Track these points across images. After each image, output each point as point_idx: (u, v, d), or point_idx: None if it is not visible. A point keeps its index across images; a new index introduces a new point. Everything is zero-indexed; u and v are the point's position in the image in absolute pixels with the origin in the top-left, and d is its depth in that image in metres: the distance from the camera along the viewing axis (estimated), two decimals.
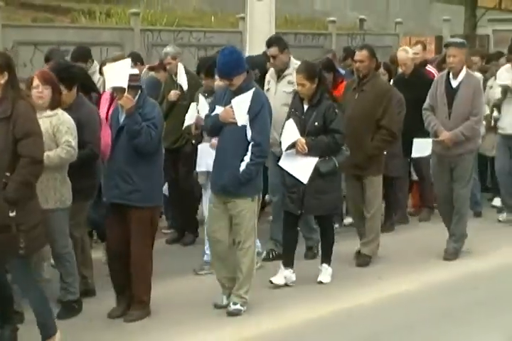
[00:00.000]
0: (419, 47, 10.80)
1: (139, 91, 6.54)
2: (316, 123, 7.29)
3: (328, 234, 7.67)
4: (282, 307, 6.94)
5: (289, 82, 8.12)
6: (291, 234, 7.57)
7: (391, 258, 8.34)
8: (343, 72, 10.06)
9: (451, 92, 8.27)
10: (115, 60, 7.62)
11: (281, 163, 7.41)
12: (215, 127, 6.77)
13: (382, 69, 9.45)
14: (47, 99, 6.36)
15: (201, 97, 7.79)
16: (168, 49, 9.14)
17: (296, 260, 7.61)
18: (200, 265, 7.79)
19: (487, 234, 9.33)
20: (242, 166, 6.54)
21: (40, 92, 6.34)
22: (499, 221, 9.96)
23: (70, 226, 6.65)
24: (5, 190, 5.38)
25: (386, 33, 19.36)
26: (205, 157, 7.50)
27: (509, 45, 10.27)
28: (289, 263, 7.50)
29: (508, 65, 9.97)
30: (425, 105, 8.51)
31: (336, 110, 7.35)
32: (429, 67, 10.62)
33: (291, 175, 7.34)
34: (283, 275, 7.47)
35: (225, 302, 6.82)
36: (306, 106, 7.39)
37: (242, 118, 6.57)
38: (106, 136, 6.72)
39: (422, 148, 8.87)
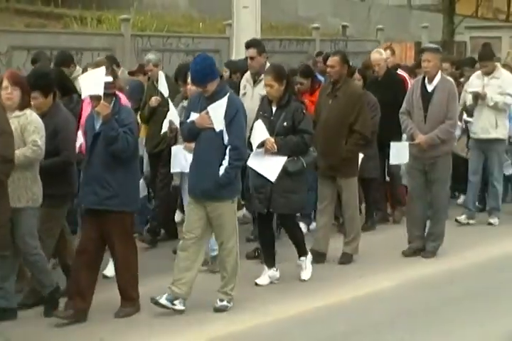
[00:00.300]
0: (388, 52, 10.82)
1: (114, 99, 6.52)
2: (285, 124, 7.26)
3: (294, 233, 7.58)
4: (267, 303, 6.96)
5: None
6: (267, 235, 7.54)
7: (372, 256, 8.37)
8: (321, 78, 10.03)
9: (426, 96, 8.31)
10: (97, 65, 7.58)
11: (249, 163, 7.30)
12: (191, 133, 6.72)
13: (357, 75, 9.44)
14: (16, 99, 6.27)
15: (171, 105, 7.89)
16: (150, 56, 9.16)
17: (279, 257, 7.61)
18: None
19: (463, 234, 9.40)
20: (221, 170, 6.52)
21: (10, 93, 6.27)
22: (456, 220, 9.82)
23: (40, 231, 6.49)
24: None
25: (367, 39, 19.39)
26: (179, 158, 7.49)
27: (479, 52, 10.30)
28: (271, 264, 7.50)
29: (478, 72, 10.02)
30: (402, 109, 8.54)
31: (304, 111, 7.35)
32: (401, 71, 10.65)
33: (259, 176, 7.27)
34: (267, 275, 7.47)
35: (163, 301, 6.57)
36: (274, 108, 7.35)
37: (219, 123, 6.56)
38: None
39: (399, 153, 8.80)
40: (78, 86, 8.21)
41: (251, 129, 7.32)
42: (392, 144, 8.97)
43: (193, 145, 6.91)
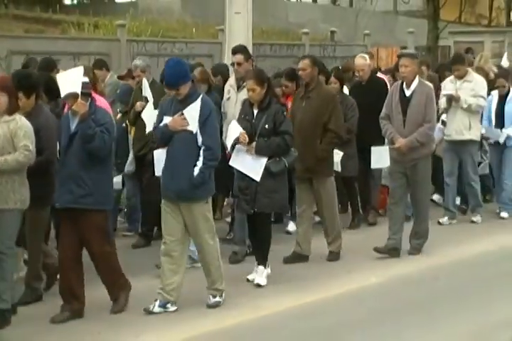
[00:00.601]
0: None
1: (89, 99, 6.45)
2: (267, 126, 7.23)
3: (263, 234, 7.43)
4: (257, 299, 6.96)
5: None
6: (258, 233, 7.45)
7: (360, 254, 8.34)
8: None
9: (404, 101, 8.29)
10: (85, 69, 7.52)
11: (231, 163, 7.29)
12: (164, 136, 6.61)
13: (333, 79, 9.40)
14: (3, 105, 6.14)
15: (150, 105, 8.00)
16: (137, 62, 9.12)
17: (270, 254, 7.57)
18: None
19: (447, 232, 9.40)
20: (196, 170, 6.46)
21: None
22: (439, 223, 9.76)
23: (28, 233, 6.44)
24: None
25: (355, 44, 19.41)
26: (162, 162, 7.44)
27: (452, 56, 10.27)
28: (262, 261, 7.41)
29: (451, 77, 10.00)
30: (382, 114, 8.53)
31: (284, 113, 7.36)
32: (380, 74, 10.65)
33: (243, 178, 7.23)
34: (265, 275, 7.38)
35: (157, 309, 6.55)
36: (256, 111, 7.33)
37: (195, 126, 6.51)
38: None
39: (380, 158, 8.75)
40: None
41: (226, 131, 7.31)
42: (373, 149, 8.96)
43: None
